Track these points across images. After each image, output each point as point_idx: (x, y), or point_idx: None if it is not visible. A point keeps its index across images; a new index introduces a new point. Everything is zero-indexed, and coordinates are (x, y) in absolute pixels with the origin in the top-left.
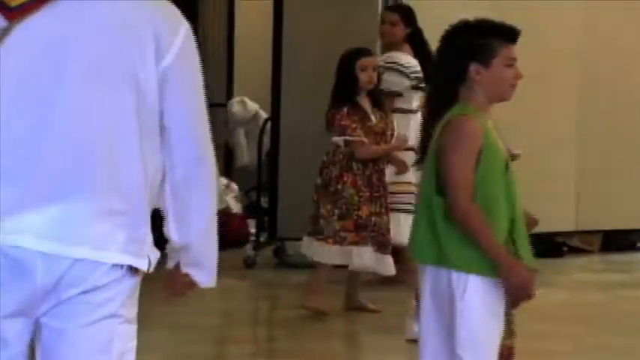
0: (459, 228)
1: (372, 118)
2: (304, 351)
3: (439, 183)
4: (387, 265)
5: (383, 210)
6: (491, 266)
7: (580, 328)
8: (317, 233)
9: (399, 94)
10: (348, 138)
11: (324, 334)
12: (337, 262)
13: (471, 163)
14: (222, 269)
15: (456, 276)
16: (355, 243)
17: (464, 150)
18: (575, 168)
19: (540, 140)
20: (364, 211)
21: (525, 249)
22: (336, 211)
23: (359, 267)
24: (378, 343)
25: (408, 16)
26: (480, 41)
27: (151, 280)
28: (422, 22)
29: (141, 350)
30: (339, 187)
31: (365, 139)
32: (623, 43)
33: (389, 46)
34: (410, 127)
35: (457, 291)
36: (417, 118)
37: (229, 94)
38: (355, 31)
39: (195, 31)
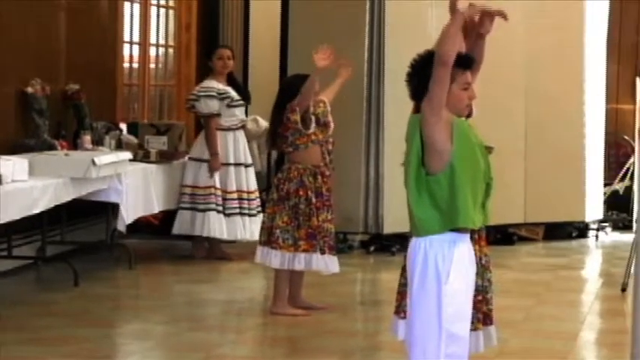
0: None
1: None
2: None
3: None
4: (333, 264)
5: (330, 217)
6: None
7: (529, 301)
8: (271, 243)
9: (218, 114)
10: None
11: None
12: (295, 267)
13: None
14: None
15: (440, 257)
16: (306, 250)
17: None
18: (524, 173)
19: (496, 152)
20: (314, 221)
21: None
22: (295, 222)
23: (309, 269)
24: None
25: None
26: None
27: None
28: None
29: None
30: (297, 200)
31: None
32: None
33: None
34: (229, 143)
35: (442, 276)
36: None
37: (245, 113)
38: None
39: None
